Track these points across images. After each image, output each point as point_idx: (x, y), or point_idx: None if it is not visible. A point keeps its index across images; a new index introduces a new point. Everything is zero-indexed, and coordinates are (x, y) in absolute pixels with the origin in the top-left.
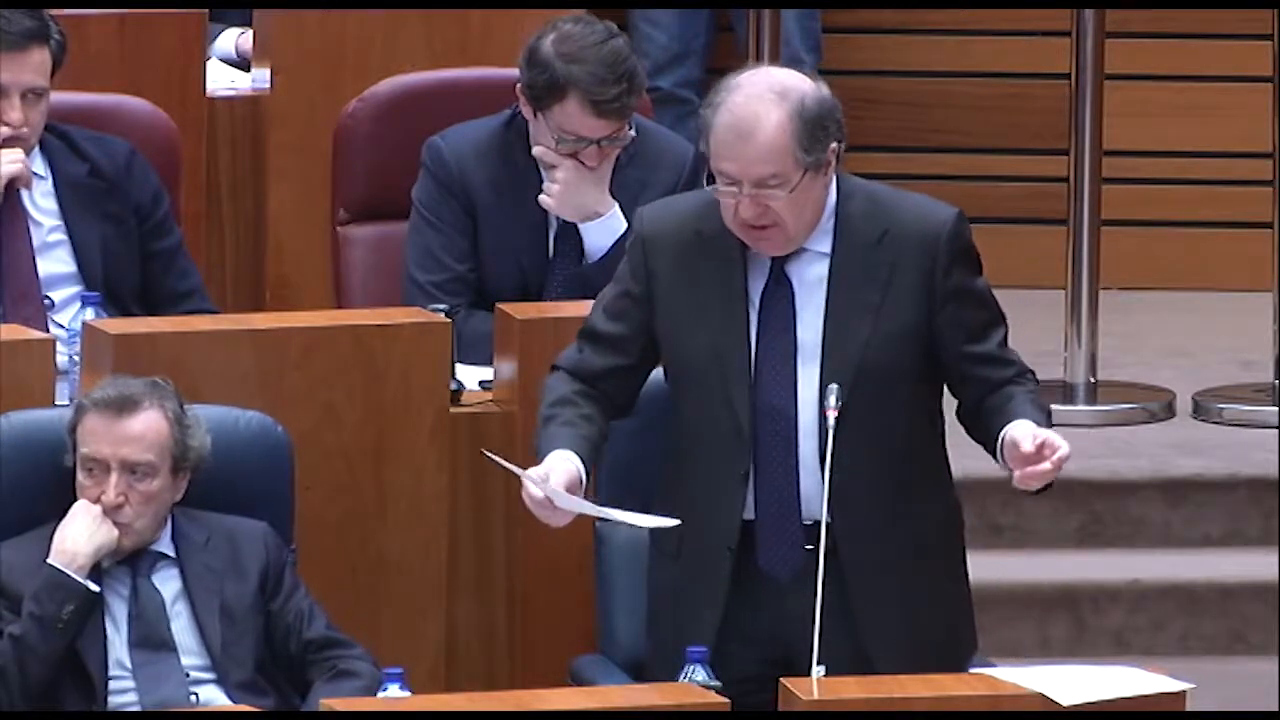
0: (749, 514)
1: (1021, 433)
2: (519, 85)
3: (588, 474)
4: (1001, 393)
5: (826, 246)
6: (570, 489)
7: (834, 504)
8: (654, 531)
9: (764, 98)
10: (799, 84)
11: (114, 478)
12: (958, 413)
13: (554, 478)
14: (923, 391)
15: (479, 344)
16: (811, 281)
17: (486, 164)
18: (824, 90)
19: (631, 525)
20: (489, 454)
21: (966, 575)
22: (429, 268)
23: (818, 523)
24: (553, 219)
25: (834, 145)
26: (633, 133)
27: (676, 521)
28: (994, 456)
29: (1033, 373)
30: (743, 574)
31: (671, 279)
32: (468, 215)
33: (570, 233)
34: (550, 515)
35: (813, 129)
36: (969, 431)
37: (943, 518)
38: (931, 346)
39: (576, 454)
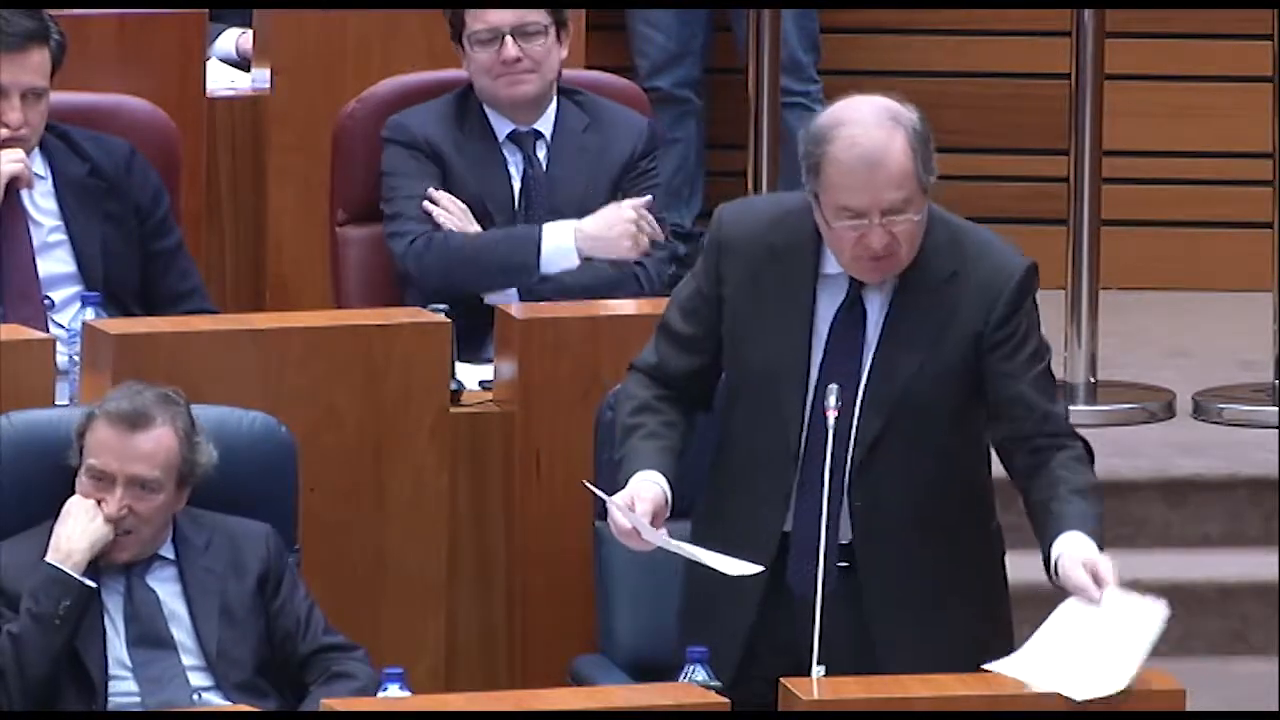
0: (786, 527)
1: (1072, 564)
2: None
3: (672, 488)
4: (1048, 474)
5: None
6: (657, 512)
7: (862, 530)
8: (695, 531)
9: (882, 125)
10: (901, 108)
11: (119, 491)
12: (993, 441)
13: (640, 505)
14: (966, 419)
15: (472, 261)
16: (880, 308)
17: (447, 128)
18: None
19: (714, 568)
20: (589, 485)
21: (1004, 608)
22: (402, 209)
23: (851, 543)
24: (515, 175)
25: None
26: (555, 43)
27: (760, 568)
28: (1045, 565)
29: (1076, 435)
30: (776, 585)
31: (739, 286)
32: (436, 165)
33: (534, 186)
34: (636, 544)
35: (927, 149)
36: (1009, 472)
37: (980, 547)
38: (978, 386)
39: (660, 471)
